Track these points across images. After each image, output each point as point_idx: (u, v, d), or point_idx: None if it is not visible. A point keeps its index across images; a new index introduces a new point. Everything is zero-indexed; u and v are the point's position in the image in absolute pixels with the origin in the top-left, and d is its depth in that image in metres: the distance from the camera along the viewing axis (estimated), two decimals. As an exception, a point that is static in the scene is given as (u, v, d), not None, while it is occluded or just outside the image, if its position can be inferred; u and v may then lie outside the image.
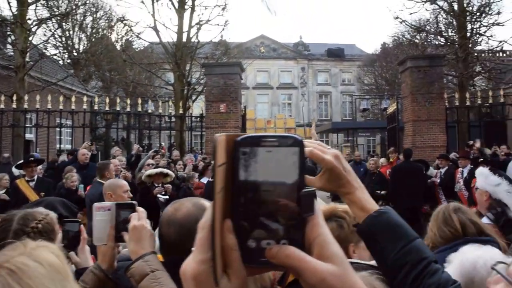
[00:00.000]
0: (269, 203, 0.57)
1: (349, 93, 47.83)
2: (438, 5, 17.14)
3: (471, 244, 1.96)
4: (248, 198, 0.57)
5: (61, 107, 13.14)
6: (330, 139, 44.77)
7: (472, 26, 19.12)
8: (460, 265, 1.76)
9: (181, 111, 15.02)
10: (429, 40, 21.41)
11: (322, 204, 2.23)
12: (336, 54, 49.22)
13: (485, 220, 3.24)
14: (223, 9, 17.48)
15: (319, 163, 1.04)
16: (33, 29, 15.23)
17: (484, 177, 3.35)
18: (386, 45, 35.34)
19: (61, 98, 13.25)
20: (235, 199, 0.58)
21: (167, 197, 7.48)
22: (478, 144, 10.79)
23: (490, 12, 19.43)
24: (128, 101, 14.29)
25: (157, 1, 16.97)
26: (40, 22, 15.45)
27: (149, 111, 15.85)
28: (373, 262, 1.84)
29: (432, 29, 21.03)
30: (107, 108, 14.79)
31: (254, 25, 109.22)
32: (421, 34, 21.12)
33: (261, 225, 0.58)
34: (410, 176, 9.83)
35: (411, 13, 21.32)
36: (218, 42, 22.49)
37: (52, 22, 21.33)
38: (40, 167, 9.73)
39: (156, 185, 7.73)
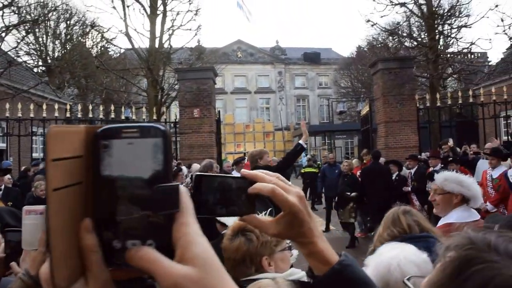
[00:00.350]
0: (126, 200, 0.54)
1: (326, 96, 48.16)
2: (408, 8, 17.40)
3: (387, 243, 1.95)
4: (108, 195, 0.54)
5: (32, 115, 12.90)
6: (308, 142, 45.01)
7: (442, 28, 19.46)
8: (375, 268, 1.73)
9: (155, 117, 14.94)
10: (402, 42, 21.70)
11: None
12: (312, 58, 49.53)
13: (454, 215, 3.29)
14: (195, 14, 17.46)
15: (281, 206, 0.85)
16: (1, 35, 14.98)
17: (459, 181, 3.35)
18: (362, 48, 35.66)
19: (31, 106, 13.01)
20: (96, 196, 0.54)
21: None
22: (451, 143, 10.91)
23: (458, 15, 19.83)
24: (101, 108, 14.15)
25: (128, 6, 16.87)
26: (7, 29, 15.20)
27: (123, 117, 15.65)
28: (288, 273, 1.83)
29: (405, 32, 21.31)
30: (79, 115, 14.61)
31: (230, 30, 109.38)
32: (393, 37, 21.40)
33: (123, 224, 0.54)
34: (378, 177, 9.95)
35: (382, 16, 21.55)
36: (194, 48, 22.46)
37: (24, 28, 21.02)
38: (8, 176, 9.57)
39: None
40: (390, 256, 1.73)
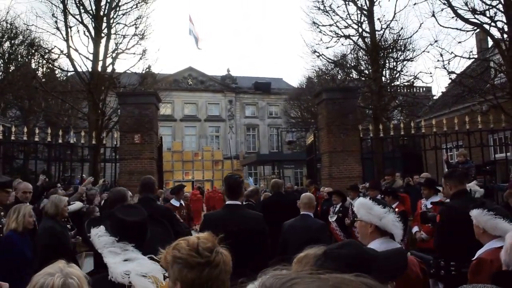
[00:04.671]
0: None
1: (276, 126, 48.52)
2: (353, 40, 17.75)
3: None
4: None
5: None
6: (258, 171, 44.97)
7: (387, 61, 19.95)
8: None
9: (94, 142, 14.33)
10: (348, 74, 22.08)
11: None
12: (263, 87, 49.94)
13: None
14: (141, 38, 17.14)
15: None
16: None
17: (368, 209, 3.16)
18: (311, 79, 36.22)
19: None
20: None
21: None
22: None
23: (404, 49, 20.42)
24: (37, 131, 13.41)
25: (71, 28, 16.33)
26: None
27: (71, 141, 14.91)
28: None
29: (352, 63, 21.70)
30: (12, 138, 13.83)
31: (182, 57, 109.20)
32: (337, 68, 21.75)
33: None
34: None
35: (327, 47, 21.89)
36: (144, 73, 21.99)
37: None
38: None
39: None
40: None
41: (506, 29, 13.75)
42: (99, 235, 2.57)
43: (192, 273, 1.78)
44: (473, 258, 3.21)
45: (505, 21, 13.77)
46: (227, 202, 4.48)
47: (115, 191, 5.94)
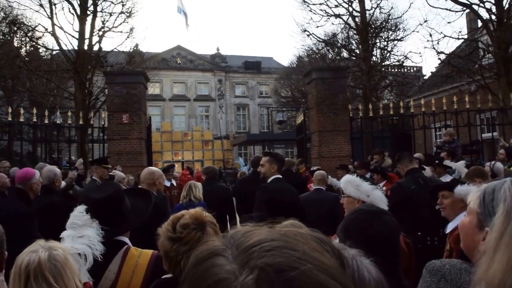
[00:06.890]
0: None
1: (267, 106, 48.31)
2: (343, 19, 17.59)
3: None
4: None
5: None
6: (248, 151, 44.96)
7: (377, 41, 19.89)
8: None
9: (81, 122, 14.16)
10: (339, 53, 21.97)
11: None
12: (253, 66, 49.60)
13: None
14: (128, 16, 16.83)
15: None
16: None
17: (356, 185, 3.35)
18: (302, 58, 36.01)
19: None
20: None
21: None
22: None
23: (395, 29, 20.34)
24: (21, 111, 13.17)
25: (55, 5, 15.95)
26: None
27: (57, 122, 14.70)
28: None
29: (343, 43, 21.60)
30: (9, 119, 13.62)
31: (170, 35, 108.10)
32: (328, 48, 21.63)
33: None
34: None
35: (317, 26, 21.76)
36: (132, 52, 21.68)
37: None
38: None
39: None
40: None
41: (494, 10, 13.72)
42: (74, 214, 2.66)
43: (166, 245, 2.00)
44: (448, 231, 3.32)
45: (493, 1, 13.74)
46: (277, 176, 5.10)
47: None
